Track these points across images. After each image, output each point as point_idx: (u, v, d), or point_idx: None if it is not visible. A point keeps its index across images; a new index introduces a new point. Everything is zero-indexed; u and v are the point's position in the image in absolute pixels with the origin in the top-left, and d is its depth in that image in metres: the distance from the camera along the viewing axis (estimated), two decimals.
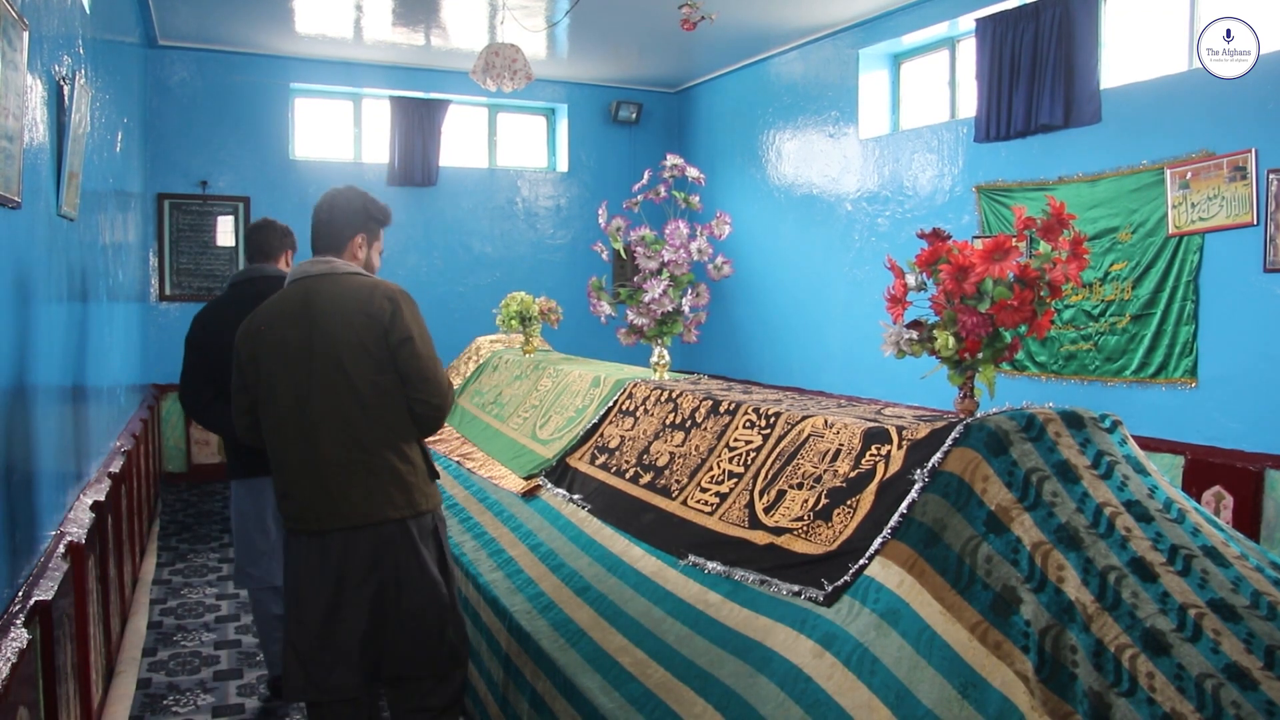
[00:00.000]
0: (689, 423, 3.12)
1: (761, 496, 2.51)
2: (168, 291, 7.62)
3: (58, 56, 2.92)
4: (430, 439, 4.94)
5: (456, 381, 5.75)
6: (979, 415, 2.15)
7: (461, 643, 2.69)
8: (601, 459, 3.41)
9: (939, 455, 2.06)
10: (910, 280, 2.37)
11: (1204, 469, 4.60)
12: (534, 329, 5.25)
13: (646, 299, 3.60)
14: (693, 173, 3.72)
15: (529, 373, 4.83)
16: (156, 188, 7.55)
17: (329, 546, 2.49)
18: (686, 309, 3.71)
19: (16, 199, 2.16)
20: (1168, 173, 4.72)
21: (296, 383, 2.48)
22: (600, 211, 3.80)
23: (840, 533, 2.16)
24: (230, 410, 2.82)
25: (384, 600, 2.54)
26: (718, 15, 5.78)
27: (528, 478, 3.70)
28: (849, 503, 2.21)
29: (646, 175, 3.73)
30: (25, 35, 2.15)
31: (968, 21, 5.97)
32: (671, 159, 3.71)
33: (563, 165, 9.05)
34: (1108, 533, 1.87)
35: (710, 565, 2.44)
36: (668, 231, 3.57)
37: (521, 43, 6.27)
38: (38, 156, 2.55)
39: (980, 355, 2.26)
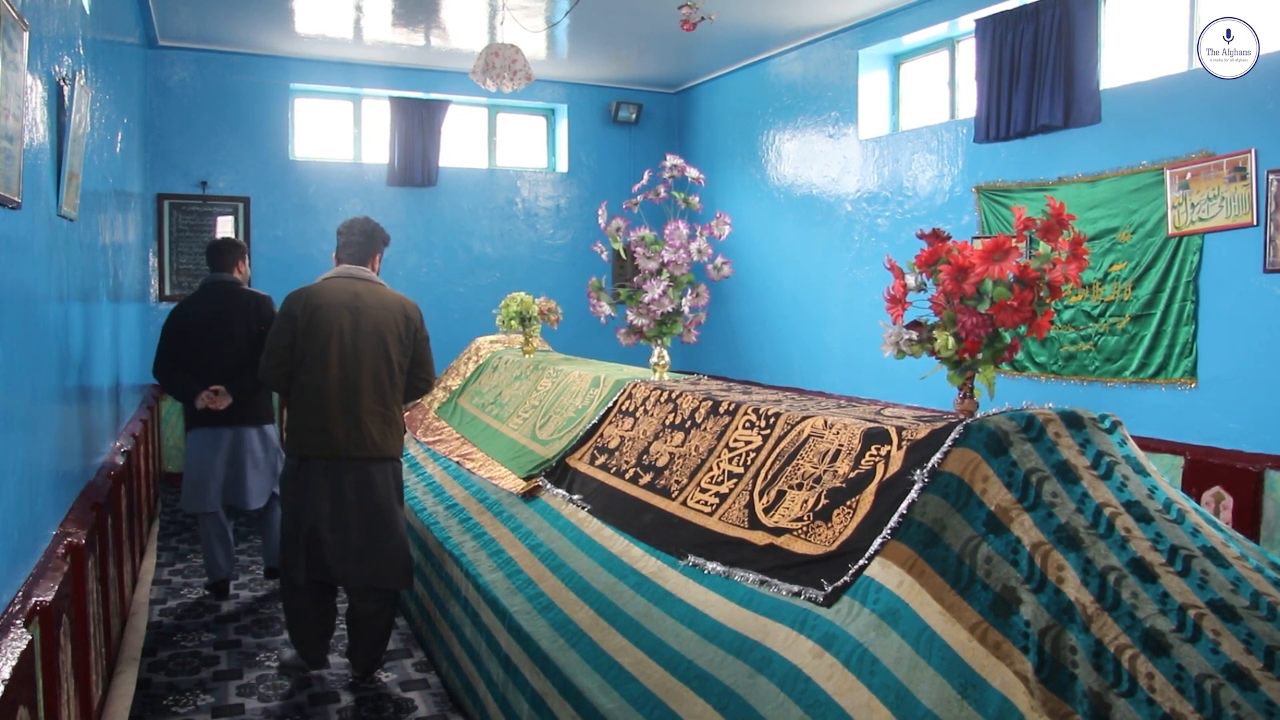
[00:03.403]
0: (689, 423, 3.12)
1: (761, 497, 2.51)
2: (168, 291, 7.61)
3: (58, 57, 2.92)
4: (430, 439, 5.13)
5: (456, 382, 5.77)
6: (979, 415, 2.15)
7: (410, 566, 3.74)
8: (601, 459, 3.41)
9: (939, 456, 2.06)
10: (910, 280, 2.37)
11: (1204, 469, 4.60)
12: (534, 329, 5.25)
13: (646, 299, 3.60)
14: (692, 173, 3.72)
15: (529, 373, 4.84)
16: (156, 188, 7.54)
17: (342, 470, 3.52)
18: (686, 309, 3.71)
19: (16, 199, 2.16)
20: (1167, 173, 4.72)
21: (347, 353, 3.55)
22: (600, 212, 3.80)
23: (840, 533, 2.16)
24: (185, 379, 4.45)
25: (372, 514, 3.55)
26: (718, 15, 5.78)
27: (527, 478, 3.70)
28: (849, 503, 2.21)
29: (646, 175, 3.73)
30: (25, 36, 2.15)
31: (968, 22, 5.96)
32: (671, 159, 3.71)
33: (563, 165, 9.04)
34: (1107, 533, 1.87)
35: (710, 565, 2.44)
36: (667, 232, 3.57)
37: (521, 43, 6.27)
38: (38, 157, 2.55)
39: (980, 355, 2.26)
